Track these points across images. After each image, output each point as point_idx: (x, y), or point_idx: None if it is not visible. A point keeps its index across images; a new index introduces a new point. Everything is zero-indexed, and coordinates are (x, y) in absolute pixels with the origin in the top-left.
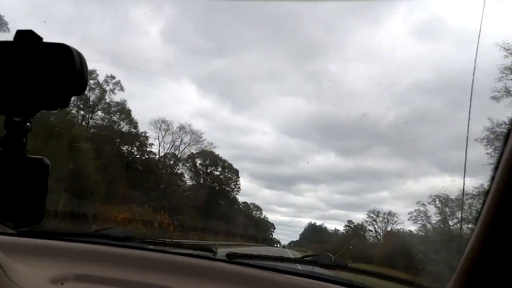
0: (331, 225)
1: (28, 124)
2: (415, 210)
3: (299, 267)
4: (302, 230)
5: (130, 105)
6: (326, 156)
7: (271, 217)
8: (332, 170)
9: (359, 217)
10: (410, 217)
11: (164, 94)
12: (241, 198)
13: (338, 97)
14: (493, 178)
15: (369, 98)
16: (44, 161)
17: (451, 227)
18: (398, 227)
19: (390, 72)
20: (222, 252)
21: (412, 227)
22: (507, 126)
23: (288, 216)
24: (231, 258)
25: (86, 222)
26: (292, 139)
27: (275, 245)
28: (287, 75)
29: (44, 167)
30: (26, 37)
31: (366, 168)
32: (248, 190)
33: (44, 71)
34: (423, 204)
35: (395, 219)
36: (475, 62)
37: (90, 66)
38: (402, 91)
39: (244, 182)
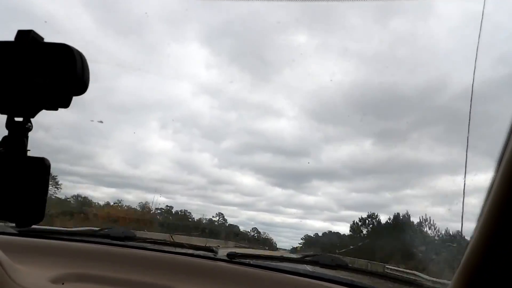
0: (339, 228)
1: (29, 124)
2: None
3: (300, 267)
4: (308, 233)
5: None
6: (357, 145)
7: (277, 219)
8: (358, 162)
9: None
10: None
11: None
12: (246, 199)
13: (395, 61)
14: (494, 176)
15: (443, 62)
16: (45, 161)
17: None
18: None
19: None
20: (223, 251)
21: (414, 227)
22: (509, 122)
23: (296, 218)
24: (232, 258)
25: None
26: (319, 123)
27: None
28: (326, 27)
29: (45, 167)
30: (27, 37)
31: (401, 159)
32: (256, 189)
33: (45, 71)
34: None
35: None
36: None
37: (91, 67)
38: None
39: (251, 180)
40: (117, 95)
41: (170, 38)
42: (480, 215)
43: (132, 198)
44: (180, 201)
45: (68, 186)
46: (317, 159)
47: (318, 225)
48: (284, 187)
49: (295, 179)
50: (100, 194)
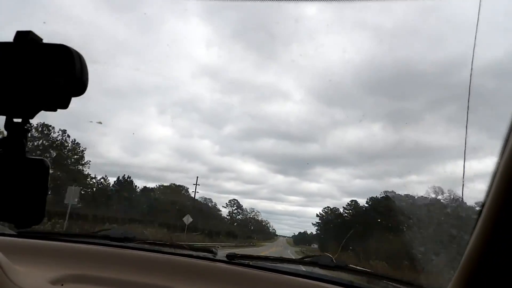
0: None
1: (28, 125)
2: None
3: (299, 268)
4: (310, 220)
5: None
6: (366, 129)
7: (278, 207)
8: (365, 148)
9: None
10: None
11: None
12: (247, 187)
13: (412, 36)
14: (493, 177)
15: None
16: (44, 162)
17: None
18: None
19: None
20: (222, 253)
21: (414, 226)
22: (508, 124)
23: (297, 206)
24: (231, 259)
25: None
26: (328, 106)
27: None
28: None
29: (44, 168)
30: (26, 38)
31: (411, 142)
32: (257, 177)
33: (44, 72)
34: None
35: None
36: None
37: (89, 67)
38: None
39: (253, 167)
40: (113, 78)
41: (169, 13)
42: (480, 215)
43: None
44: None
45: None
46: (323, 144)
47: (320, 213)
48: (286, 174)
49: (298, 165)
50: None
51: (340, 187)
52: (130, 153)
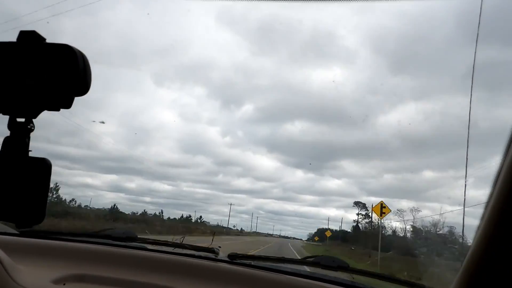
0: (352, 216)
1: (31, 125)
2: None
3: (301, 268)
4: (321, 221)
5: None
6: (421, 105)
7: (288, 207)
8: (409, 133)
9: (402, 204)
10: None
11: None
12: (260, 185)
13: None
14: (496, 179)
15: None
16: (46, 162)
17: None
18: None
19: None
20: (224, 252)
21: (415, 227)
22: (510, 126)
23: (310, 206)
24: (233, 258)
25: None
26: (391, 72)
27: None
28: None
29: (46, 168)
30: (29, 38)
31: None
32: (273, 173)
33: (47, 71)
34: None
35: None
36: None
37: (92, 67)
38: None
39: (271, 162)
40: (103, 35)
41: None
42: (482, 217)
43: (134, 187)
44: (185, 189)
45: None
46: (366, 129)
47: (332, 213)
48: (306, 168)
49: (321, 157)
50: (99, 182)
51: (361, 183)
52: (128, 143)
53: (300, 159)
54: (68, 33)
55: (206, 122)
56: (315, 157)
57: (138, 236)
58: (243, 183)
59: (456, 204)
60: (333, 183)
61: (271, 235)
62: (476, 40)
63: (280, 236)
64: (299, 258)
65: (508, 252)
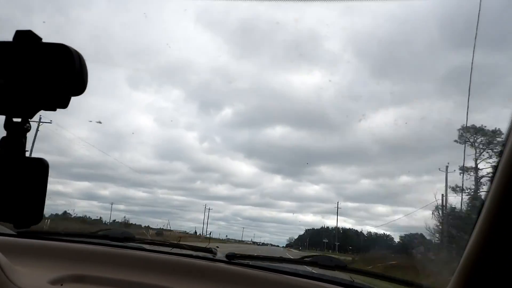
0: (330, 222)
1: (27, 124)
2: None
3: (299, 267)
4: (299, 227)
5: None
6: (401, 110)
7: (266, 214)
8: (390, 137)
9: (379, 210)
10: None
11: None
12: (238, 191)
13: None
14: (492, 178)
15: None
16: (43, 162)
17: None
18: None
19: None
20: (221, 253)
21: (413, 227)
22: (508, 126)
23: (287, 212)
24: (231, 258)
25: None
26: (374, 75)
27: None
28: None
29: (44, 168)
30: (25, 37)
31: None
32: (251, 179)
33: (43, 71)
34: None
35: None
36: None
37: (89, 66)
38: None
39: (249, 168)
40: (73, 34)
41: None
42: (479, 216)
43: (108, 194)
44: (161, 196)
45: None
46: (346, 133)
47: (310, 219)
48: (284, 174)
49: (300, 162)
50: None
51: (339, 189)
52: (101, 147)
53: (279, 164)
54: (39, 30)
55: (184, 127)
56: (293, 163)
57: (136, 236)
58: (221, 189)
59: (429, 209)
60: (311, 188)
61: (257, 243)
62: (474, 43)
63: (260, 244)
64: (297, 257)
65: (505, 251)
